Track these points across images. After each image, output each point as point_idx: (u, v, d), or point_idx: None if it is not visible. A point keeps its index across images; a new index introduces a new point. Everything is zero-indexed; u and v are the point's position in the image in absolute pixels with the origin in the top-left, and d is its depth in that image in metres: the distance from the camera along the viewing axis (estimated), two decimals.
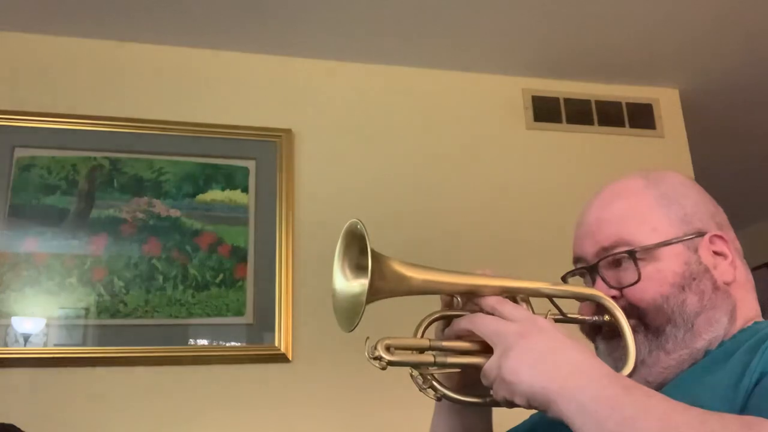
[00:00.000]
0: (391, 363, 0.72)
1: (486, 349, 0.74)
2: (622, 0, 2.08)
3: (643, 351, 0.81)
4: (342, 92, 2.32)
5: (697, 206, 0.87)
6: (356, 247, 0.76)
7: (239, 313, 1.99)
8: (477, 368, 0.74)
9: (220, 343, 1.97)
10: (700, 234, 0.84)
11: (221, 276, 2.02)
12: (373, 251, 0.71)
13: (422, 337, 0.77)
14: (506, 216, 2.31)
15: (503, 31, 2.22)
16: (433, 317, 0.81)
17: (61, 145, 2.03)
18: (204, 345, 1.96)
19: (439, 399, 0.78)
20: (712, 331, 0.80)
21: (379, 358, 0.72)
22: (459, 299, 0.80)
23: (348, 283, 0.77)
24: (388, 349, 0.73)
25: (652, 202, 0.86)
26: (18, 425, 1.48)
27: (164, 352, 1.91)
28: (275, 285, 2.02)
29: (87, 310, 1.91)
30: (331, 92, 2.31)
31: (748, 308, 0.84)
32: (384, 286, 0.74)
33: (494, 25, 2.18)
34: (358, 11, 2.08)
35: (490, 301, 0.77)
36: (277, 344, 1.97)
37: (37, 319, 1.87)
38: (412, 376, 0.77)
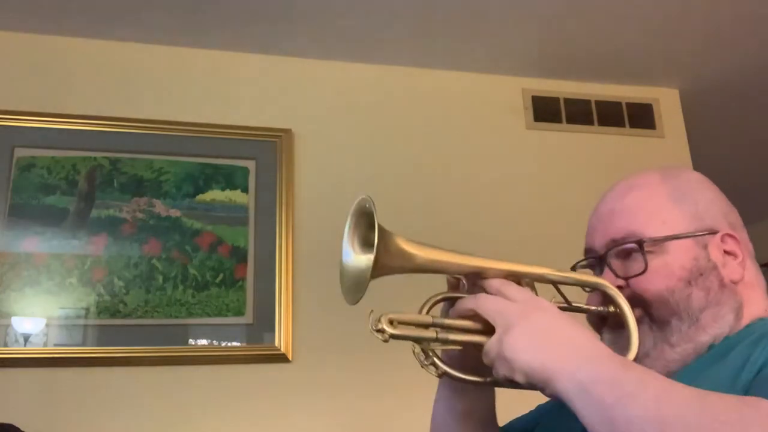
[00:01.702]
0: (393, 336, 0.73)
1: (488, 329, 0.74)
2: (623, 0, 2.08)
3: (648, 343, 0.81)
4: (342, 92, 2.32)
5: (710, 204, 0.87)
6: (365, 223, 0.77)
7: (239, 313, 1.99)
8: (478, 347, 0.75)
9: (220, 343, 1.97)
10: (712, 232, 0.84)
11: (221, 276, 2.02)
12: (380, 227, 0.72)
13: (427, 314, 0.78)
14: (506, 216, 2.31)
15: (503, 31, 2.22)
16: (438, 297, 0.82)
17: (61, 145, 2.03)
18: (204, 345, 1.96)
19: (440, 375, 0.79)
20: (718, 327, 0.80)
21: (381, 331, 0.73)
22: (465, 283, 0.81)
23: (356, 258, 0.78)
24: (391, 323, 0.74)
25: (665, 196, 0.87)
26: (18, 425, 1.48)
27: (164, 352, 1.91)
28: (275, 285, 2.02)
29: (87, 310, 1.91)
30: (331, 92, 2.31)
31: (756, 307, 0.83)
32: (389, 262, 0.75)
33: (494, 25, 2.18)
34: (358, 11, 2.08)
35: (495, 283, 0.78)
36: (277, 344, 1.97)
37: (37, 319, 1.87)
38: (414, 352, 0.78)
